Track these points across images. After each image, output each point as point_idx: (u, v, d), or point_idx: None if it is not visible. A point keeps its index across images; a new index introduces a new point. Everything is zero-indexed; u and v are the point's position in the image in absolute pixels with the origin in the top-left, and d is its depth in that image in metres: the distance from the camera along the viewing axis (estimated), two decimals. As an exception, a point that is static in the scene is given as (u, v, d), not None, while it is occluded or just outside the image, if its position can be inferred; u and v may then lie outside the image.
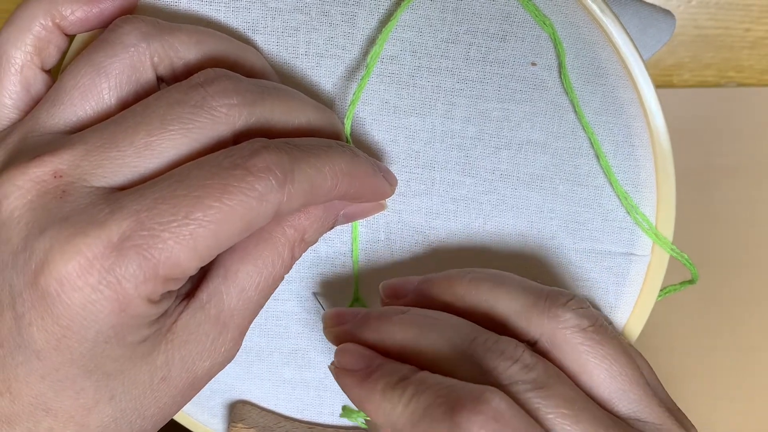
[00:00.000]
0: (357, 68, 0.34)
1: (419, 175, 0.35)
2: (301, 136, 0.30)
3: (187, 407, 0.39)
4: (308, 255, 0.36)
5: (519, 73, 0.34)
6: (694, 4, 0.55)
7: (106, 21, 0.31)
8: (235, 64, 0.31)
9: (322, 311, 0.36)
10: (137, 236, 0.26)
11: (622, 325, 0.36)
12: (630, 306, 0.36)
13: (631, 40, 0.33)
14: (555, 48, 0.33)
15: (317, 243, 0.36)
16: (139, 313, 0.27)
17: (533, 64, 0.34)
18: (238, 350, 0.31)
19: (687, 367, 0.51)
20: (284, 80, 0.34)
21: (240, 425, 0.37)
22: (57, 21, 0.30)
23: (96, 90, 0.29)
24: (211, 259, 0.27)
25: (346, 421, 0.38)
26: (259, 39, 0.34)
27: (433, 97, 0.34)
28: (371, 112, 0.34)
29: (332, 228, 0.33)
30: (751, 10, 0.55)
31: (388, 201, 0.35)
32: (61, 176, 0.27)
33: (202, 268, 0.28)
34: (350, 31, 0.34)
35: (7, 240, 0.27)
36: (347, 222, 0.34)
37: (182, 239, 0.26)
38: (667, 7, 0.54)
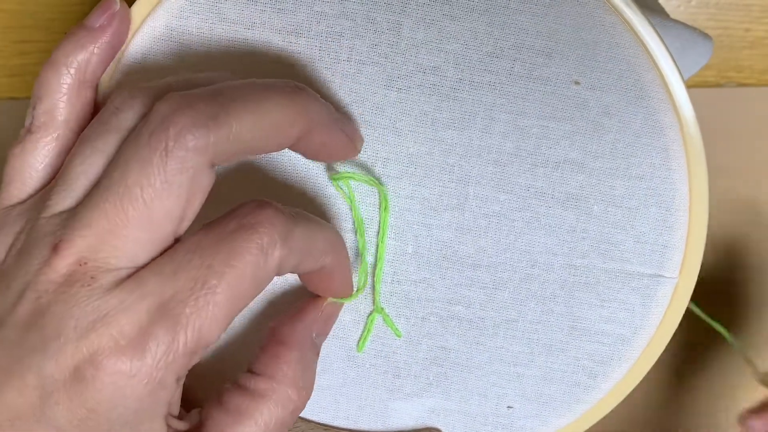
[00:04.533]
0: (398, 77, 0.33)
1: (453, 190, 0.34)
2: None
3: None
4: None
5: (561, 91, 0.33)
6: (694, 4, 0.55)
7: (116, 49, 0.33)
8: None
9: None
10: (163, 316, 0.27)
11: (644, 346, 0.36)
12: (654, 327, 0.36)
13: (676, 64, 0.33)
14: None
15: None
16: (161, 397, 0.28)
17: (576, 83, 0.33)
18: None
19: (687, 367, 0.52)
20: (323, 85, 0.34)
21: None
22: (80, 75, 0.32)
23: (90, 164, 0.30)
24: (228, 325, 0.28)
25: (361, 426, 0.38)
26: (302, 43, 0.33)
27: (473, 111, 0.33)
28: (409, 123, 0.34)
29: (318, 355, 0.34)
30: (751, 10, 0.55)
31: (419, 219, 0.34)
32: (86, 263, 0.28)
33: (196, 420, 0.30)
34: (395, 39, 0.33)
35: (40, 329, 0.27)
36: (324, 338, 0.35)
37: (203, 311, 0.27)
38: (667, 7, 0.54)
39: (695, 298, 0.36)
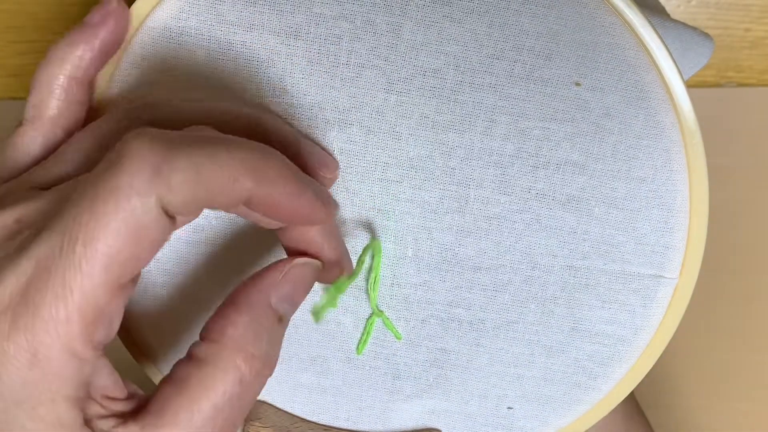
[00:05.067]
0: (398, 80, 0.33)
1: (453, 193, 0.34)
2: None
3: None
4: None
5: (562, 92, 0.33)
6: (694, 4, 0.55)
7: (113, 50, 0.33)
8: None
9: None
10: (38, 280, 0.25)
11: (644, 347, 0.36)
12: (654, 328, 0.36)
13: (676, 65, 0.33)
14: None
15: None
16: (59, 368, 0.25)
17: (577, 84, 0.33)
18: None
19: (687, 367, 0.52)
20: (322, 91, 0.34)
21: (257, 424, 0.37)
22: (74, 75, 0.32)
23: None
24: (119, 282, 0.25)
25: (361, 427, 0.38)
26: (301, 45, 0.33)
27: (473, 113, 0.33)
28: (409, 126, 0.34)
29: (285, 325, 0.29)
30: (751, 10, 0.55)
31: (419, 222, 0.34)
32: (20, 222, 0.27)
33: (146, 397, 0.28)
34: (394, 42, 0.33)
35: None
36: (294, 307, 0.30)
37: (76, 270, 0.24)
38: (667, 7, 0.54)
39: (695, 298, 0.36)
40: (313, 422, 0.39)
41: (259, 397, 0.38)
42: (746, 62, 0.56)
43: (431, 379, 0.37)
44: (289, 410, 0.39)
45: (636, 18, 0.33)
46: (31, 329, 0.24)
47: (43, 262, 0.25)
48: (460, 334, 0.37)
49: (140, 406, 0.28)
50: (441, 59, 0.33)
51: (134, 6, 0.34)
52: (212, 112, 0.31)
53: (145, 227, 0.25)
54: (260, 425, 0.38)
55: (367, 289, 0.36)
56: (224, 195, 0.26)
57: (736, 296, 0.53)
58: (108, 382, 0.27)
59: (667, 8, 0.55)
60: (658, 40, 0.33)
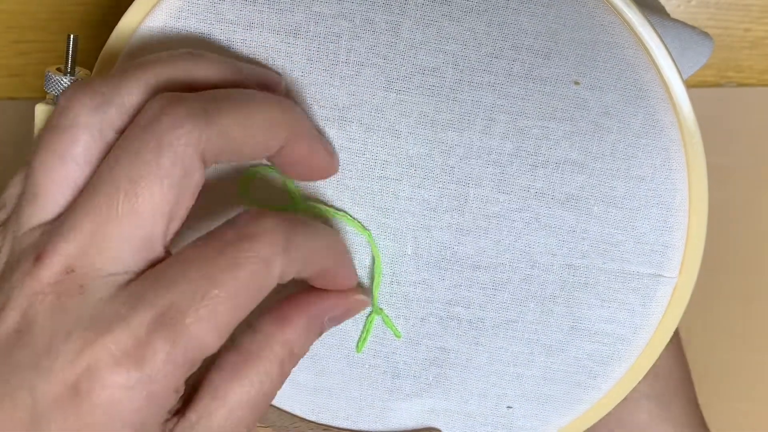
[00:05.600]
0: (397, 79, 0.33)
1: (452, 191, 0.34)
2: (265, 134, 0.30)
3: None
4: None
5: (561, 91, 0.33)
6: (693, 4, 0.55)
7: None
8: (187, 86, 0.30)
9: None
10: (162, 327, 0.26)
11: (644, 346, 0.36)
12: (654, 327, 0.36)
13: (675, 63, 0.33)
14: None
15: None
16: (162, 407, 0.27)
17: (576, 83, 0.33)
18: None
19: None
20: (322, 88, 0.34)
21: (256, 423, 0.37)
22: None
23: (66, 174, 0.29)
24: (231, 332, 0.28)
25: (361, 426, 0.38)
26: (300, 44, 0.33)
27: (473, 112, 0.33)
28: (408, 125, 0.34)
29: (321, 336, 0.33)
30: (751, 10, 0.55)
31: (418, 221, 0.34)
32: (73, 270, 0.27)
33: (193, 385, 0.29)
34: (394, 40, 0.33)
35: (28, 344, 0.27)
36: (333, 326, 0.34)
37: (204, 320, 0.27)
38: (667, 7, 0.54)
39: (695, 297, 0.36)
40: (313, 421, 0.39)
41: None
42: (746, 62, 0.56)
43: (431, 378, 0.37)
44: (289, 409, 0.39)
45: (635, 17, 0.33)
46: (152, 373, 0.26)
47: (172, 309, 0.27)
48: (460, 333, 0.37)
49: (188, 393, 0.30)
50: (440, 58, 0.33)
51: (133, 6, 0.34)
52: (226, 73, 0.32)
53: (266, 289, 0.28)
54: (259, 425, 0.38)
55: (368, 289, 0.36)
56: (315, 267, 0.31)
57: (735, 296, 0.53)
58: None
59: (667, 8, 0.55)
60: (657, 39, 0.33)
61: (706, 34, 0.39)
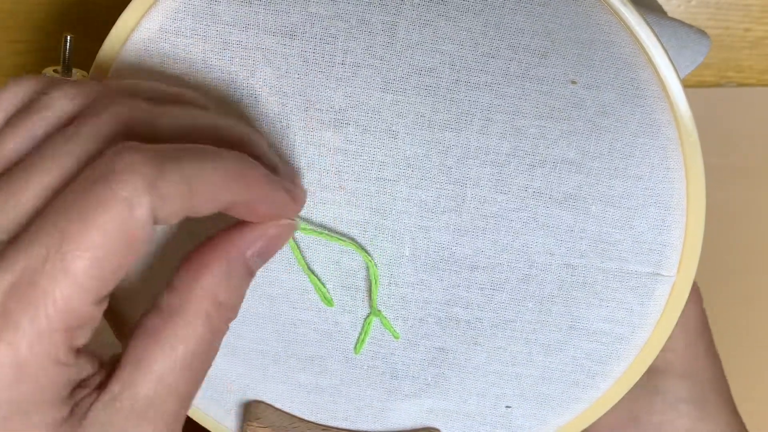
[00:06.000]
0: (394, 80, 0.33)
1: (450, 191, 0.34)
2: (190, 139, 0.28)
3: (201, 401, 0.39)
4: (330, 267, 0.35)
5: (558, 90, 0.33)
6: (694, 4, 0.55)
7: None
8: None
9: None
10: (17, 293, 0.24)
11: (642, 345, 0.36)
12: (652, 326, 0.36)
13: (672, 62, 0.33)
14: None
15: (340, 255, 0.35)
16: (46, 379, 0.25)
17: (573, 82, 0.33)
18: None
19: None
20: (318, 90, 0.34)
21: (255, 424, 0.37)
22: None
23: None
24: (106, 290, 0.25)
25: (360, 427, 0.38)
26: (297, 45, 0.33)
27: (470, 112, 0.33)
28: (405, 125, 0.34)
29: (252, 276, 0.30)
30: (751, 10, 0.55)
31: (416, 222, 0.34)
32: None
33: (116, 357, 0.27)
34: (390, 41, 0.33)
35: None
36: (264, 261, 0.31)
37: (61, 281, 0.24)
38: (667, 7, 0.54)
39: (693, 297, 0.36)
40: (312, 422, 0.39)
41: (257, 397, 0.38)
42: (746, 62, 0.56)
43: (429, 379, 0.37)
44: (288, 410, 0.39)
45: (631, 16, 0.33)
46: (14, 343, 0.24)
47: (26, 273, 0.24)
48: (458, 333, 0.36)
49: (114, 366, 0.28)
50: (436, 58, 0.33)
51: (129, 7, 0.34)
52: (194, 128, 0.30)
53: (135, 238, 0.25)
54: (258, 425, 0.38)
55: (364, 290, 0.36)
56: (209, 204, 0.27)
57: (735, 296, 0.53)
58: (89, 371, 0.27)
59: (667, 8, 0.55)
60: (654, 38, 0.33)
61: (703, 33, 0.39)
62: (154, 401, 0.27)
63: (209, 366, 0.28)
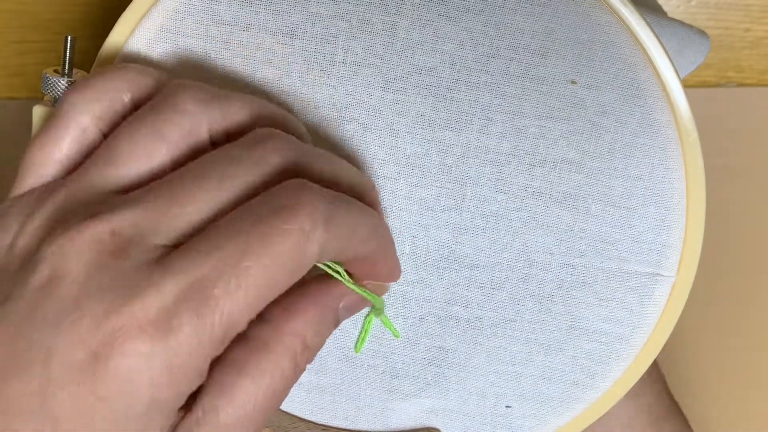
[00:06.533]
0: (394, 79, 0.33)
1: (450, 190, 0.34)
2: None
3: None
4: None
5: (558, 90, 0.33)
6: (693, 4, 0.55)
7: None
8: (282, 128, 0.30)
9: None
10: (189, 298, 0.25)
11: (642, 345, 0.36)
12: (652, 326, 0.36)
13: (672, 62, 0.33)
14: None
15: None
16: (182, 389, 0.26)
17: (573, 82, 0.33)
18: None
19: (686, 367, 0.51)
20: (320, 90, 0.34)
21: None
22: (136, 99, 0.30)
23: (153, 154, 0.28)
24: (259, 311, 0.26)
25: (360, 426, 0.38)
26: (297, 44, 0.33)
27: (470, 111, 0.33)
28: (405, 125, 0.34)
29: (336, 327, 0.31)
30: (751, 10, 0.55)
31: (416, 219, 0.34)
32: (120, 234, 0.26)
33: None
34: (390, 40, 0.33)
35: (57, 298, 0.25)
36: (349, 315, 0.32)
37: (233, 294, 0.25)
38: (667, 7, 0.54)
39: (693, 297, 0.36)
40: (312, 421, 0.39)
41: None
42: (746, 62, 0.56)
43: (429, 378, 0.37)
44: (287, 409, 0.39)
45: (631, 16, 0.33)
46: (176, 348, 0.25)
47: (200, 282, 0.25)
48: (458, 332, 0.37)
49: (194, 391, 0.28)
50: (437, 57, 0.33)
51: (130, 7, 0.34)
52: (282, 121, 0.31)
53: (301, 269, 0.26)
54: None
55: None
56: (355, 252, 0.29)
57: (735, 296, 0.53)
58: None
59: (667, 8, 0.55)
60: (654, 38, 0.34)
61: (703, 33, 0.39)
62: (231, 429, 0.27)
63: (277, 406, 0.29)
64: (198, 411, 0.27)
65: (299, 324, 0.29)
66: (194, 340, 0.25)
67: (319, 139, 0.34)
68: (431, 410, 0.38)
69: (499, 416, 0.38)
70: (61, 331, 0.25)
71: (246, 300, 0.25)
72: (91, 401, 0.24)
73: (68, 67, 0.34)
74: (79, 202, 0.27)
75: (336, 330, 0.36)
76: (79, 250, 0.25)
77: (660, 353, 0.37)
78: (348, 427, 0.39)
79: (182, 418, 0.27)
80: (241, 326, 0.26)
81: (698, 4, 0.56)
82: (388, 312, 0.36)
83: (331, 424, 0.39)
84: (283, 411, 0.39)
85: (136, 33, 0.34)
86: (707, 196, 0.35)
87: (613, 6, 0.33)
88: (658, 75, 0.34)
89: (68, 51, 0.34)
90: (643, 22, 0.33)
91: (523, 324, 0.36)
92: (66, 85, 0.34)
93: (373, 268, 0.31)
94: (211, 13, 0.33)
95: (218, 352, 0.26)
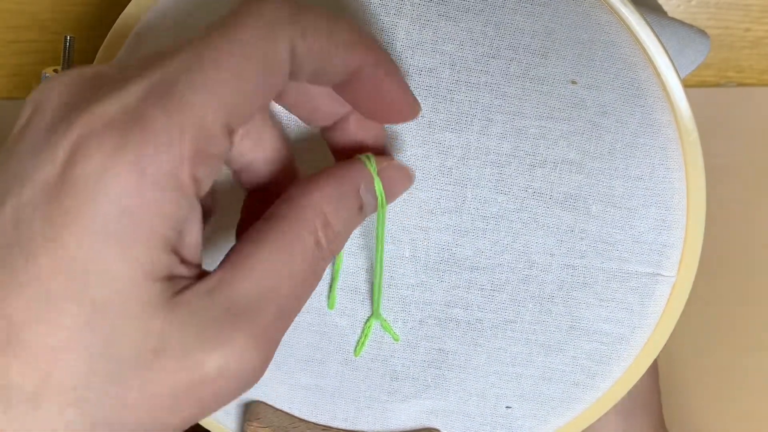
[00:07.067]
0: None
1: (450, 192, 0.34)
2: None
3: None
4: (330, 270, 0.35)
5: (558, 90, 0.33)
6: (694, 4, 0.55)
7: None
8: None
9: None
10: (153, 93, 0.23)
11: (642, 345, 0.36)
12: (652, 326, 0.36)
13: (672, 62, 0.33)
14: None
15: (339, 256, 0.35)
16: (160, 200, 0.23)
17: (573, 82, 0.33)
18: (261, 363, 0.26)
19: (685, 367, 0.51)
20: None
21: (255, 424, 0.37)
22: None
23: None
24: (239, 118, 0.24)
25: (360, 428, 0.38)
26: None
27: (470, 112, 0.33)
28: (405, 126, 0.34)
29: (362, 218, 0.29)
30: (751, 10, 0.55)
31: (416, 222, 0.34)
32: (101, 72, 0.25)
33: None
34: (390, 41, 0.33)
35: (35, 126, 0.24)
36: (373, 209, 0.30)
37: (200, 88, 0.23)
38: (667, 7, 0.54)
39: (695, 298, 0.36)
40: (312, 422, 0.39)
41: (257, 397, 0.38)
42: (746, 62, 0.56)
43: (429, 380, 0.37)
44: (288, 410, 0.39)
45: (632, 16, 0.33)
46: (141, 145, 0.22)
47: (165, 78, 0.23)
48: (458, 334, 0.36)
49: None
50: (437, 58, 0.33)
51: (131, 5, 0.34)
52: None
53: (275, 67, 0.25)
54: (258, 425, 0.38)
55: (366, 293, 0.36)
56: (342, 58, 0.27)
57: (735, 296, 0.53)
58: (193, 241, 0.25)
59: (668, 8, 0.55)
60: (654, 38, 0.33)
61: (703, 33, 0.39)
62: (250, 302, 0.25)
63: (311, 290, 0.27)
64: (211, 280, 0.25)
65: (316, 197, 0.27)
66: (164, 139, 0.23)
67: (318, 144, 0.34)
68: (431, 411, 0.38)
69: (499, 417, 0.38)
70: (35, 155, 0.23)
71: (217, 95, 0.23)
72: (61, 217, 0.22)
73: (68, 66, 0.34)
74: None
75: (336, 334, 0.37)
76: (66, 80, 0.24)
77: (660, 356, 0.37)
78: (348, 428, 0.39)
79: (190, 285, 0.24)
80: (217, 136, 0.24)
81: (698, 3, 0.56)
82: (388, 316, 0.36)
83: (332, 425, 0.38)
84: (283, 412, 0.39)
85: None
86: (707, 196, 0.35)
87: (613, 6, 0.33)
88: (658, 75, 0.34)
89: (67, 50, 0.34)
90: (643, 22, 0.33)
91: (524, 325, 0.36)
92: None
93: (380, 87, 0.29)
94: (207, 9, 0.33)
95: (196, 170, 0.24)
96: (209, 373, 0.24)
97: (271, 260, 0.25)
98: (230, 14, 0.25)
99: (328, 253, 0.27)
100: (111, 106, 0.23)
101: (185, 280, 0.24)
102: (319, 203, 0.27)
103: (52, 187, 0.22)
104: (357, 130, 0.31)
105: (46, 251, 0.22)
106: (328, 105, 0.30)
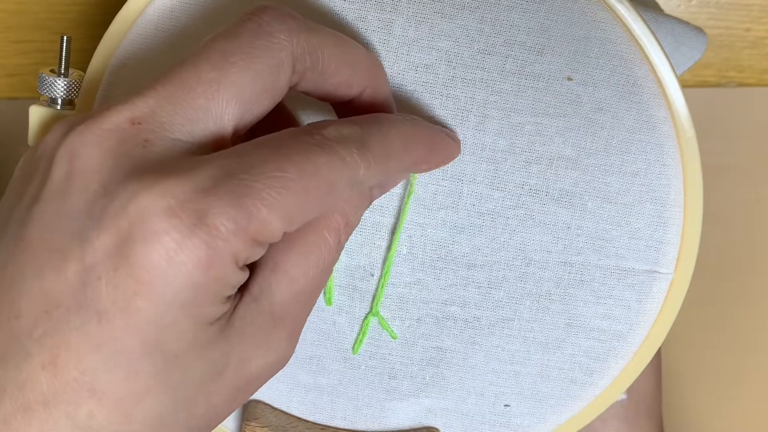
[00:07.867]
0: (390, 76, 0.33)
1: (446, 188, 0.34)
2: (351, 71, 0.30)
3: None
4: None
5: (554, 87, 0.33)
6: (694, 4, 0.56)
7: None
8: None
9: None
10: (229, 183, 0.24)
11: (640, 342, 0.36)
12: (650, 323, 0.36)
13: (668, 59, 0.33)
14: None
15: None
16: (223, 275, 0.24)
17: (569, 78, 0.33)
18: (292, 352, 0.29)
19: (686, 367, 0.51)
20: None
21: (254, 424, 0.37)
22: None
23: None
24: (296, 226, 0.26)
25: (358, 427, 0.38)
26: None
27: (466, 108, 0.33)
28: None
29: (370, 203, 0.31)
30: (751, 10, 0.55)
31: (412, 218, 0.35)
32: (139, 123, 0.25)
33: (252, 264, 0.27)
34: (386, 38, 0.33)
35: (84, 187, 0.24)
36: (380, 194, 0.32)
37: (272, 193, 0.24)
38: (667, 7, 0.54)
39: (694, 298, 0.36)
40: (310, 422, 0.39)
41: (256, 397, 0.38)
42: (746, 62, 0.56)
43: (427, 378, 0.37)
44: (286, 410, 0.39)
45: (627, 13, 0.33)
46: (217, 227, 0.24)
47: (232, 170, 0.24)
48: (456, 332, 0.36)
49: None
50: (433, 55, 0.34)
51: (125, 6, 0.34)
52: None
53: (333, 191, 0.26)
54: (257, 425, 0.38)
55: (364, 290, 0.36)
56: (341, 77, 0.30)
57: (735, 296, 0.53)
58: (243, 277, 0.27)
59: (667, 8, 0.55)
60: (650, 35, 0.34)
61: (700, 30, 0.39)
62: (287, 305, 0.28)
63: (325, 283, 0.30)
64: (254, 288, 0.27)
65: (342, 203, 0.29)
66: (229, 227, 0.24)
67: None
68: (430, 410, 0.38)
69: (497, 415, 0.38)
70: (92, 217, 0.24)
71: (281, 204, 0.25)
72: (132, 286, 0.23)
73: (64, 66, 0.34)
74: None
75: (334, 331, 0.37)
76: (100, 139, 0.25)
77: (657, 350, 0.37)
78: (346, 427, 0.39)
79: (239, 301, 0.27)
80: (275, 233, 0.25)
81: (699, 3, 0.56)
82: (385, 314, 0.36)
83: (330, 425, 0.38)
84: (281, 411, 0.39)
85: (133, 30, 0.34)
86: (707, 196, 0.35)
87: (609, 3, 0.33)
88: (654, 71, 0.34)
89: (64, 50, 0.34)
90: (639, 19, 0.33)
91: (521, 323, 0.36)
92: (63, 85, 0.34)
93: (430, 161, 0.32)
94: (203, 12, 0.33)
95: (251, 254, 0.25)
96: (257, 372, 0.28)
97: (304, 262, 0.28)
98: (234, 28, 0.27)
99: (343, 244, 0.30)
100: (183, 186, 0.24)
101: (235, 298, 0.27)
102: (344, 209, 0.29)
103: (117, 257, 0.23)
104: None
105: (120, 315, 0.24)
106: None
